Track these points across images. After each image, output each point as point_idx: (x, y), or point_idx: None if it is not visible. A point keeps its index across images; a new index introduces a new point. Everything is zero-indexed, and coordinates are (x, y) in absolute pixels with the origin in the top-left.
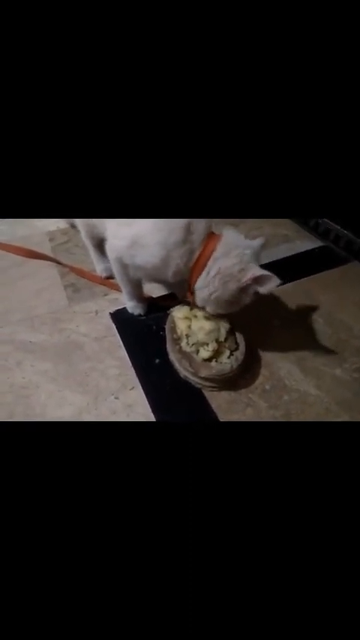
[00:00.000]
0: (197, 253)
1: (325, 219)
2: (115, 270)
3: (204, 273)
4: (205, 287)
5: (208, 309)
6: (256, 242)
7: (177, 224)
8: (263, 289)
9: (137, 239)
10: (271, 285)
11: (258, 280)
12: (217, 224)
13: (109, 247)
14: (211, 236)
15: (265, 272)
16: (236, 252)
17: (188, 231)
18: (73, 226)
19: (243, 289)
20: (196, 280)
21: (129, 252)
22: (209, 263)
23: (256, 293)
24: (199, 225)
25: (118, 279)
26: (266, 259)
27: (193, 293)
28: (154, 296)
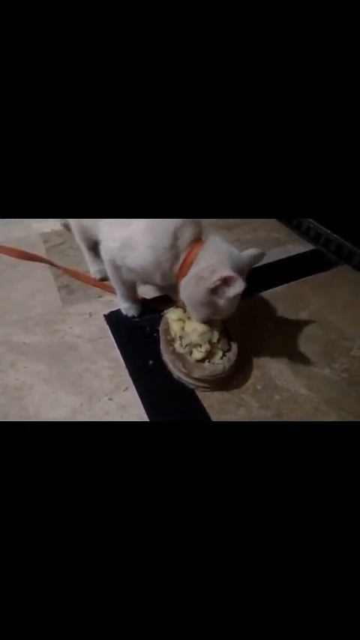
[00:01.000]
0: (182, 258)
1: (316, 224)
2: (109, 272)
3: (185, 277)
4: (183, 288)
5: (192, 313)
6: (247, 252)
7: (166, 228)
8: (229, 292)
9: (128, 241)
10: (236, 288)
11: (227, 282)
12: (213, 226)
13: (103, 249)
14: (196, 242)
15: (233, 274)
16: (215, 257)
17: (175, 236)
18: (67, 228)
19: (213, 291)
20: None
21: (120, 253)
22: (192, 267)
23: (241, 299)
24: (186, 231)
25: (112, 281)
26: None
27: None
28: (147, 298)
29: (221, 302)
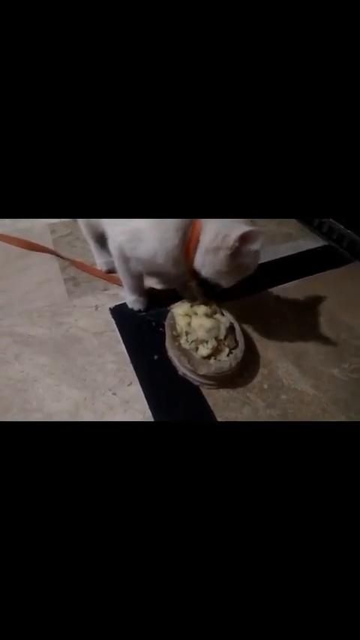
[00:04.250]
0: (188, 236)
1: (330, 219)
2: (117, 264)
3: (198, 254)
4: (201, 266)
5: (223, 282)
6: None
7: (174, 221)
8: (255, 245)
9: (137, 233)
10: (260, 237)
11: (245, 239)
12: None
13: (111, 241)
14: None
15: (247, 228)
16: (217, 225)
17: (183, 225)
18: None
19: (235, 254)
20: (192, 263)
21: (129, 245)
22: (200, 243)
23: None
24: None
25: (120, 272)
26: (269, 257)
27: (196, 276)
28: (155, 288)
29: (248, 260)
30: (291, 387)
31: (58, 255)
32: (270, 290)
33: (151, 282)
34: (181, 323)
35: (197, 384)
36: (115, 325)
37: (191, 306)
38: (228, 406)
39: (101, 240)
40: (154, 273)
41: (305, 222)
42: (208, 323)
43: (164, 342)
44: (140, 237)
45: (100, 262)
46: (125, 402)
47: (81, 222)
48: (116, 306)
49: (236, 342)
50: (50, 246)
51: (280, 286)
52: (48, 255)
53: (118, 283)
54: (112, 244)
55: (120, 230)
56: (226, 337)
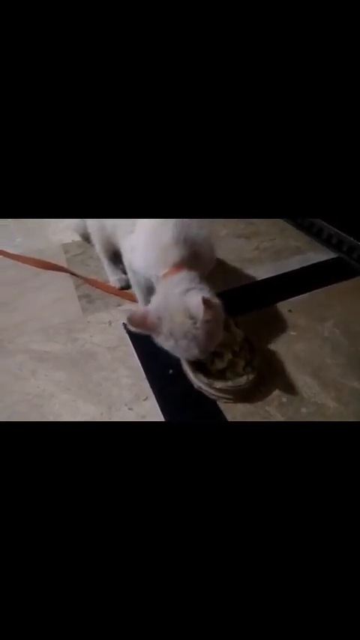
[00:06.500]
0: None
1: (339, 231)
2: (129, 276)
3: None
4: None
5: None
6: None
7: (162, 237)
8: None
9: (134, 246)
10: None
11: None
12: (231, 235)
13: (124, 251)
14: (176, 268)
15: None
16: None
17: (164, 251)
18: (87, 240)
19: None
20: None
21: (130, 256)
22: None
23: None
24: (175, 251)
25: (132, 286)
26: (278, 270)
27: None
28: None
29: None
30: (311, 400)
31: (72, 274)
32: (282, 303)
33: None
34: None
35: (214, 398)
36: (129, 340)
37: None
38: (247, 420)
39: (115, 258)
40: None
41: (313, 234)
42: (222, 336)
43: None
44: (135, 249)
45: (113, 279)
46: (141, 416)
47: (96, 241)
48: None
49: (252, 354)
50: (64, 265)
51: (292, 299)
52: (62, 274)
53: (130, 299)
54: (125, 255)
55: (128, 242)
56: (241, 350)
